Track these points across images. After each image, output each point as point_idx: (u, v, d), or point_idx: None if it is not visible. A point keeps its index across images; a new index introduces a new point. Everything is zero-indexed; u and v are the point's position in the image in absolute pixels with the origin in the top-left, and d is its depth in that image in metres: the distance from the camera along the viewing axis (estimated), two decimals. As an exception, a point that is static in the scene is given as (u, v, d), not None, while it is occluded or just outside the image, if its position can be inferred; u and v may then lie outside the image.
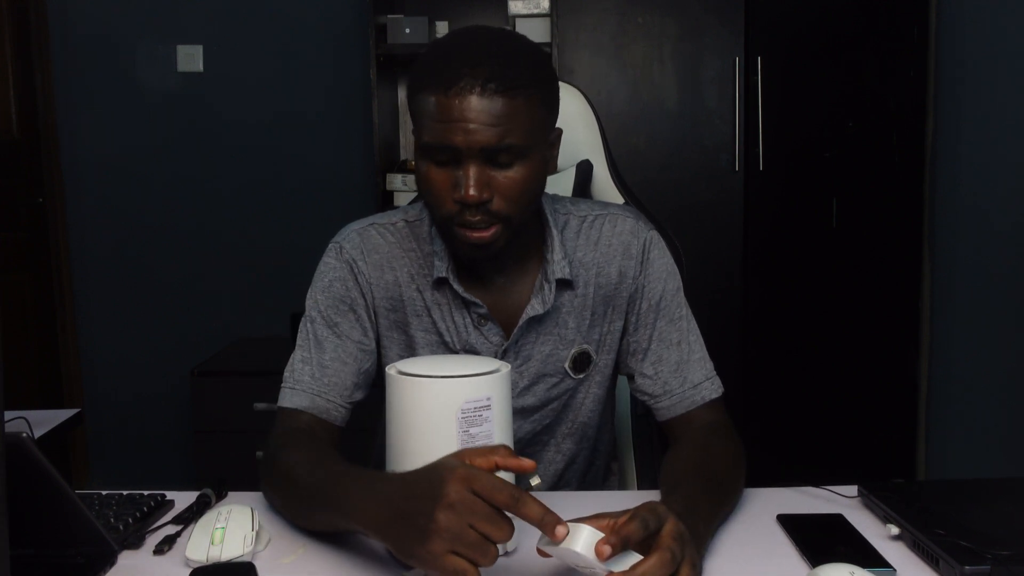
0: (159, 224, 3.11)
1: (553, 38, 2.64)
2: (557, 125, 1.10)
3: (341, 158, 3.07)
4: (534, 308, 1.12)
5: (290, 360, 1.14)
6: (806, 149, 2.68)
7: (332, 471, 0.93)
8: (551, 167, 1.09)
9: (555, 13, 2.64)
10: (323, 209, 3.05)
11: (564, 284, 1.14)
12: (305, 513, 0.97)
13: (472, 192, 0.99)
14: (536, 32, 2.73)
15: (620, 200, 1.44)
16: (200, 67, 3.04)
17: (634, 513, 0.78)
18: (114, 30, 3.04)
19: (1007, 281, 2.80)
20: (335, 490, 0.89)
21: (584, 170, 1.45)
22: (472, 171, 0.99)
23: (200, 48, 3.04)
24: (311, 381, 1.11)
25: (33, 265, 3.06)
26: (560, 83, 1.24)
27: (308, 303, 1.16)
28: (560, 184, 1.43)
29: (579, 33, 2.65)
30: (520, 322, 1.13)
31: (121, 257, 3.12)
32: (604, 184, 1.46)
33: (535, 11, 2.84)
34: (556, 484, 1.23)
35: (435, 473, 0.77)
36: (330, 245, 1.17)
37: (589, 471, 1.27)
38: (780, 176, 2.67)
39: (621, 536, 0.75)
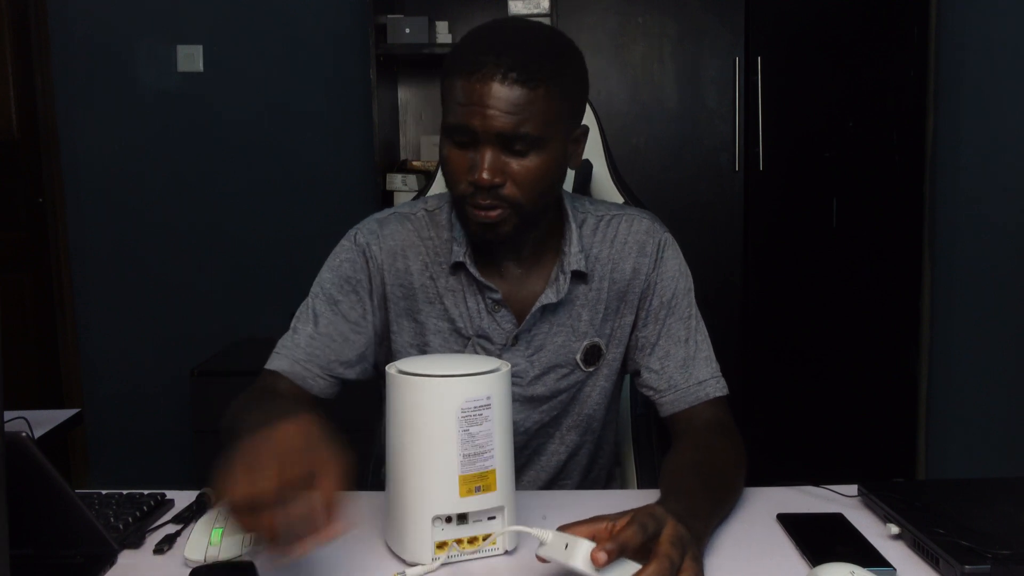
0: (159, 224, 3.11)
1: (553, 38, 2.63)
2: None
3: (341, 158, 3.07)
4: (548, 297, 1.14)
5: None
6: (806, 149, 2.68)
7: (249, 424, 0.90)
8: (573, 162, 1.12)
9: (555, 13, 2.63)
10: (323, 209, 3.05)
11: (579, 276, 1.16)
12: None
13: (485, 175, 1.02)
14: (536, 32, 2.72)
15: (620, 200, 1.44)
16: (200, 67, 3.04)
17: (632, 517, 0.78)
18: (114, 30, 3.04)
19: (1007, 281, 2.80)
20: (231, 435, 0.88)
21: (583, 170, 1.45)
22: (488, 155, 1.02)
23: (200, 48, 3.03)
24: (294, 348, 1.14)
25: (33, 265, 3.06)
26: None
27: (314, 283, 1.18)
28: (559, 184, 1.42)
29: (579, 33, 2.65)
30: (533, 309, 1.14)
31: (121, 257, 3.12)
32: (604, 184, 1.46)
33: (535, 11, 2.84)
34: (557, 475, 1.24)
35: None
36: (348, 233, 1.20)
37: (592, 468, 1.28)
38: (780, 176, 2.67)
39: (619, 542, 0.75)
